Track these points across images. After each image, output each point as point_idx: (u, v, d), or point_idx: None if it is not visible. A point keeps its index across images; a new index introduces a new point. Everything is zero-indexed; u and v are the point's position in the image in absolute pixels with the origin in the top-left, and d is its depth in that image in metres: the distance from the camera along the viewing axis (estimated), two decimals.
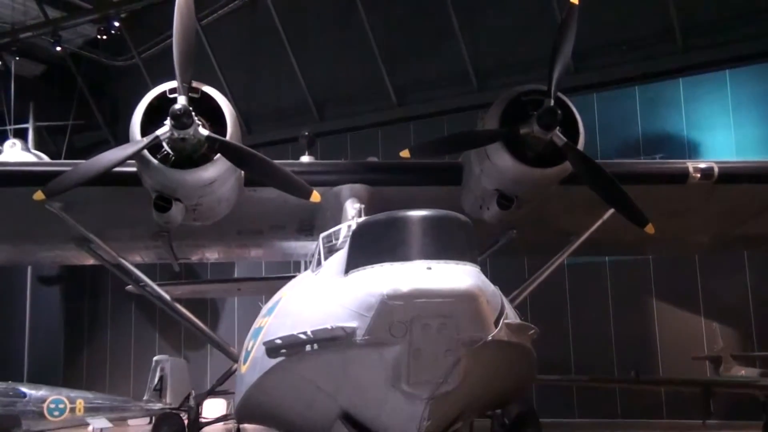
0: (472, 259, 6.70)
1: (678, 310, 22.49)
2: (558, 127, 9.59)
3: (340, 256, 7.38)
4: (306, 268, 10.35)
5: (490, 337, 6.42)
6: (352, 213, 10.27)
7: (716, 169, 11.52)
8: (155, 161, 9.49)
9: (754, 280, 21.45)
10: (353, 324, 6.35)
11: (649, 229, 10.13)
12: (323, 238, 8.78)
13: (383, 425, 6.81)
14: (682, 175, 11.57)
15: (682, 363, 20.82)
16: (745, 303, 21.45)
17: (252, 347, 8.47)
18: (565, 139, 9.63)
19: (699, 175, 11.50)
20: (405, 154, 9.93)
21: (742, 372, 17.50)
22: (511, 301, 10.77)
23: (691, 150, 22.33)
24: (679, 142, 22.86)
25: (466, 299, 6.19)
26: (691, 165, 11.67)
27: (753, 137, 22.13)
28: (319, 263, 8.38)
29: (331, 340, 6.49)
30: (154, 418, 17.29)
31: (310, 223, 12.31)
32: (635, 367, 14.72)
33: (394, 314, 6.16)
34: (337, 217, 10.57)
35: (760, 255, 21.13)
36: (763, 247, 18.44)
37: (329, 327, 6.47)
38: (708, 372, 19.93)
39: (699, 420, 17.72)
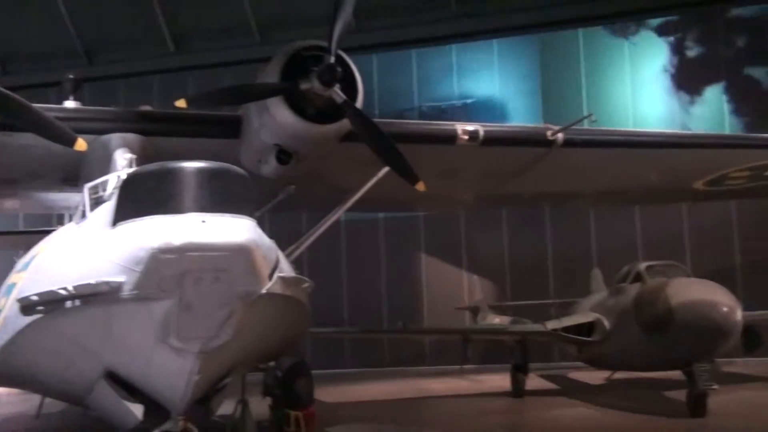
0: (248, 213, 6.64)
1: (444, 264, 23.96)
2: (338, 85, 9.71)
3: (108, 208, 7.00)
4: (70, 221, 9.72)
5: (264, 291, 6.43)
6: (122, 164, 9.77)
7: (482, 132, 12.28)
8: None
9: (510, 237, 23.37)
10: (120, 278, 6.08)
11: (420, 186, 10.60)
12: (89, 189, 8.25)
13: (151, 382, 6.64)
14: (451, 137, 12.21)
15: (445, 313, 22.25)
16: (502, 257, 23.32)
17: (3, 305, 7.81)
18: (344, 96, 9.77)
19: (467, 137, 12.19)
20: (181, 103, 9.57)
21: (497, 320, 18.94)
22: (288, 256, 10.88)
23: (462, 113, 23.67)
24: (451, 105, 24.13)
25: (240, 253, 6.14)
26: (459, 127, 12.33)
27: (517, 104, 23.89)
28: (83, 215, 7.88)
29: (94, 296, 6.17)
30: None
31: (74, 174, 11.49)
32: (403, 318, 15.51)
33: (165, 268, 5.97)
34: (106, 168, 9.95)
35: (516, 213, 23.04)
36: (519, 205, 20.12)
37: (93, 282, 6.14)
38: (467, 321, 21.48)
39: (458, 365, 19.12)
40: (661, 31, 23.68)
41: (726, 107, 22.86)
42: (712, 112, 22.89)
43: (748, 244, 21.97)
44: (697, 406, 11.98)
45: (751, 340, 15.41)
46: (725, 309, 11.71)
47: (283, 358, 10.92)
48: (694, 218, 22.18)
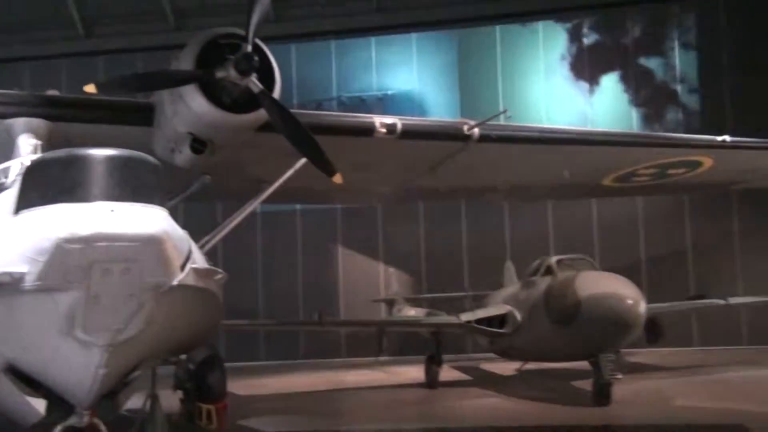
0: (159, 203, 6.47)
1: (361, 256, 24.04)
2: (255, 74, 9.56)
3: (10, 195, 6.70)
4: None
5: (175, 282, 6.28)
6: (27, 149, 9.36)
7: (399, 125, 12.30)
8: None
9: (426, 230, 23.63)
10: (22, 269, 5.82)
11: (337, 179, 10.55)
12: None
13: (55, 376, 6.40)
14: (369, 129, 12.19)
15: (361, 306, 22.33)
16: (418, 251, 23.55)
17: None
18: (261, 86, 9.62)
19: (384, 130, 12.20)
20: (90, 89, 9.23)
21: (412, 312, 19.16)
22: (202, 247, 10.67)
23: (381, 106, 23.80)
24: (371, 95, 24.19)
25: (150, 243, 5.97)
26: (377, 120, 12.33)
27: (435, 98, 24.15)
28: None
29: None
30: None
31: None
32: (319, 311, 15.49)
33: (71, 258, 5.75)
34: (9, 154, 9.54)
35: (433, 207, 23.30)
36: (435, 199, 20.34)
37: None
38: (383, 314, 21.62)
39: (373, 357, 19.25)
40: (572, 30, 24.30)
41: (626, 99, 23.66)
42: (616, 105, 23.67)
43: (652, 239, 22.85)
44: (601, 395, 12.41)
45: (654, 331, 16.08)
46: (630, 302, 12.15)
47: (195, 351, 10.70)
48: (602, 214, 22.92)
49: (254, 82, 9.51)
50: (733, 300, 17.41)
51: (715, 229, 22.67)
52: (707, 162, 15.48)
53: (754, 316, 21.58)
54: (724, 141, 14.70)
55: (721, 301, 17.01)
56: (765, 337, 21.73)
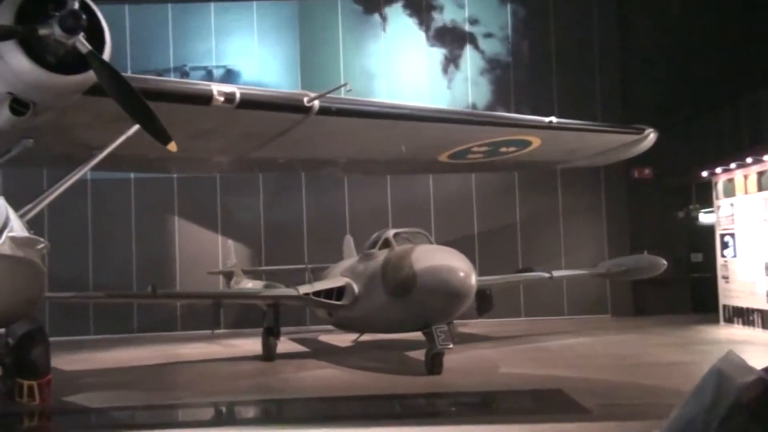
0: None
1: (198, 227, 23.49)
2: (82, 33, 9.04)
3: None
4: None
5: None
6: None
7: (238, 95, 12.11)
8: None
9: (266, 202, 23.46)
10: None
11: (172, 147, 10.20)
12: None
13: None
14: (207, 97, 11.92)
15: (198, 278, 21.87)
16: (257, 222, 23.35)
17: None
18: (89, 46, 9.12)
19: (222, 99, 11.96)
20: None
21: (250, 285, 18.98)
22: (25, 215, 10.07)
23: (213, 68, 23.31)
24: (207, 61, 23.58)
25: None
26: (215, 88, 12.07)
27: (273, 68, 23.86)
28: None
29: None
30: None
31: None
32: (153, 282, 15.00)
33: None
34: None
35: (272, 178, 23.15)
36: (275, 170, 20.24)
37: None
38: (221, 286, 21.29)
39: (209, 330, 18.95)
40: (411, 4, 24.69)
41: (469, 79, 24.47)
42: (458, 85, 24.41)
43: (484, 215, 23.88)
44: (434, 364, 12.92)
45: (484, 302, 16.89)
46: (462, 274, 12.66)
47: (16, 325, 10.16)
48: (439, 189, 23.66)
49: (82, 42, 9.00)
50: (557, 273, 18.51)
51: (542, 206, 24.00)
52: (535, 141, 16.37)
53: (574, 289, 23.13)
54: (551, 122, 15.59)
55: (546, 275, 18.06)
56: (583, 307, 23.39)
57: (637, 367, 13.58)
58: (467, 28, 24.54)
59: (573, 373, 12.90)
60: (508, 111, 22.09)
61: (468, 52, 24.50)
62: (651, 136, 17.19)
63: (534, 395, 11.50)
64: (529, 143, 16.49)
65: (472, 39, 24.54)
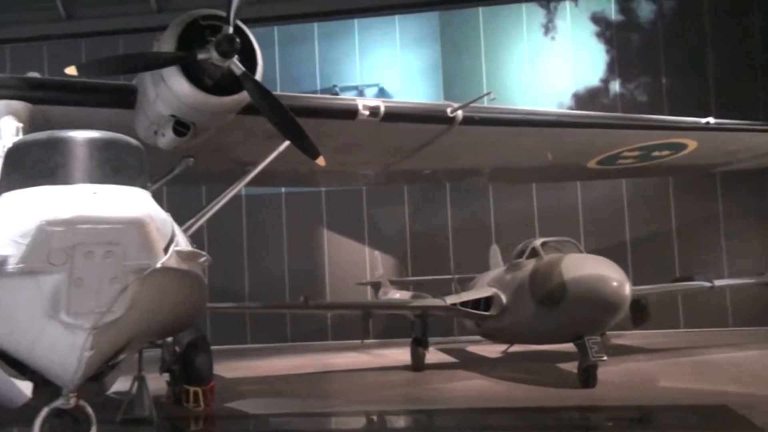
0: (141, 185, 6.44)
1: (346, 239, 24.03)
2: (236, 56, 9.50)
3: None
4: None
5: (158, 265, 6.26)
6: (9, 132, 9.26)
7: (382, 108, 12.29)
8: None
9: (411, 213, 23.66)
10: (5, 251, 5.78)
11: (321, 161, 10.53)
12: None
13: (41, 358, 6.37)
14: (352, 112, 12.17)
15: (347, 289, 22.35)
16: (403, 233, 23.58)
17: None
18: (243, 68, 9.56)
19: (367, 113, 12.18)
20: (71, 70, 9.14)
21: (398, 295, 19.17)
22: (187, 230, 10.65)
23: (364, 87, 23.75)
24: (352, 78, 24.14)
25: (133, 225, 5.94)
26: (360, 102, 12.31)
27: (416, 79, 24.10)
28: None
29: None
30: None
31: None
32: (305, 293, 15.47)
33: (54, 241, 5.71)
34: None
35: (417, 189, 23.33)
36: (420, 181, 20.37)
37: None
38: (369, 296, 21.64)
39: (359, 340, 19.29)
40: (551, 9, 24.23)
41: (618, 82, 23.67)
42: (604, 87, 23.68)
43: (637, 221, 22.96)
44: (587, 377, 12.49)
45: (639, 313, 16.18)
46: (615, 284, 12.19)
47: (182, 334, 10.73)
48: (587, 196, 22.99)
49: (236, 64, 9.45)
50: (719, 282, 17.51)
51: (700, 211, 22.80)
52: (691, 144, 15.56)
53: (738, 298, 21.78)
54: (708, 123, 14.78)
55: (707, 284, 17.11)
56: (749, 319, 21.95)
57: None
58: (614, 26, 23.78)
59: (739, 389, 12.07)
60: (661, 114, 21.16)
61: (615, 53, 23.73)
62: None
63: (697, 411, 10.86)
64: (684, 146, 15.70)
65: (619, 39, 23.75)
